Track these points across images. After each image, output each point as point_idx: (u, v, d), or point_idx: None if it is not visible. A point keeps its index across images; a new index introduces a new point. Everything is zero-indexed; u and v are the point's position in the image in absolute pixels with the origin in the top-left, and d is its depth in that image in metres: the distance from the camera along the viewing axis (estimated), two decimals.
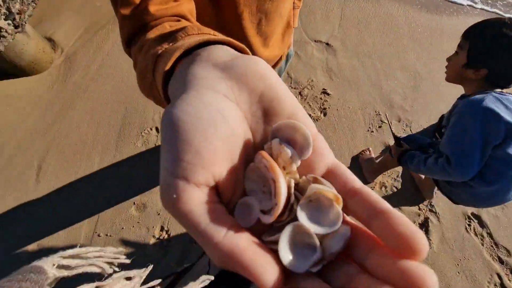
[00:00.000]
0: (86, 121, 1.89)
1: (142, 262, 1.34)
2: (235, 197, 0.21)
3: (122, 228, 1.55)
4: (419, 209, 1.70)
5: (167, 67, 0.25)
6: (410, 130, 1.96)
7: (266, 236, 0.20)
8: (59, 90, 2.01)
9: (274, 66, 0.88)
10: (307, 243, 0.19)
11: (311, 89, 2.09)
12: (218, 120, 0.19)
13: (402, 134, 1.95)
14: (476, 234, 1.63)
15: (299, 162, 0.21)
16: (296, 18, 0.79)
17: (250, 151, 0.22)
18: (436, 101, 2.10)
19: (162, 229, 1.56)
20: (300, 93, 2.07)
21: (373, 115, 2.01)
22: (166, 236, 1.54)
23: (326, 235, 0.19)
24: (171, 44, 0.28)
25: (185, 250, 1.50)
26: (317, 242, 0.19)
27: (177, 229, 1.56)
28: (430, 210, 1.69)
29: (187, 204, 0.17)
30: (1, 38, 1.51)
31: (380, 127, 1.96)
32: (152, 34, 0.34)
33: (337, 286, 0.18)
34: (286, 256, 0.18)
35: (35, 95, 1.97)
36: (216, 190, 0.20)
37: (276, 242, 0.19)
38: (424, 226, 1.64)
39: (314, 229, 0.19)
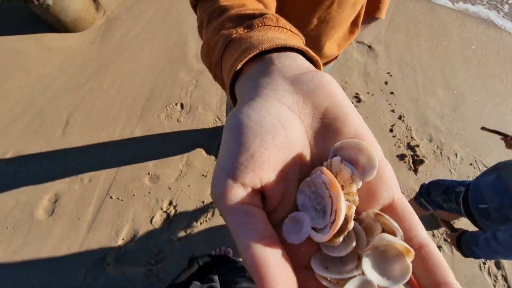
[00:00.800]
0: (116, 85, 1.93)
1: (146, 231, 1.37)
2: (284, 208, 0.21)
3: (134, 195, 1.60)
4: (433, 235, 1.62)
5: (238, 67, 0.25)
6: (441, 152, 1.85)
7: (317, 265, 0.19)
8: (96, 51, 2.05)
9: (324, 65, 0.83)
10: None
11: (343, 91, 2.01)
12: (277, 129, 0.20)
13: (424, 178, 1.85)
14: (489, 274, 1.54)
15: (360, 184, 0.20)
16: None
17: (306, 166, 0.22)
18: (475, 128, 1.96)
19: (170, 203, 1.59)
20: None
21: (403, 129, 1.91)
22: (173, 211, 1.57)
23: None
24: (246, 31, 0.28)
25: (188, 227, 1.53)
26: None
27: (184, 207, 1.58)
28: (445, 240, 1.60)
29: (229, 200, 0.18)
30: None
31: (408, 143, 1.86)
32: (226, 0, 0.33)
33: None
34: None
35: (73, 52, 2.03)
36: (263, 196, 0.20)
37: (327, 279, 0.18)
38: None
39: (378, 281, 0.17)
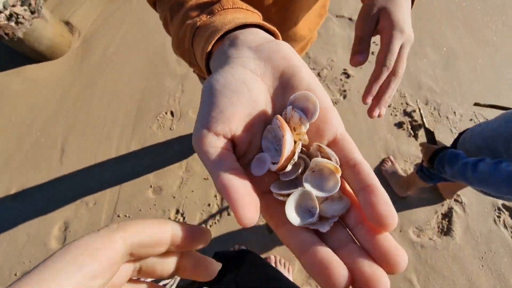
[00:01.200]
0: (104, 104, 1.93)
1: None
2: (251, 152, 0.26)
3: (140, 210, 1.61)
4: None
5: (208, 49, 0.29)
6: (438, 113, 1.82)
7: (274, 187, 0.24)
8: (78, 74, 2.04)
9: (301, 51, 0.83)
10: (309, 208, 0.23)
11: (331, 69, 1.97)
12: (242, 89, 0.24)
13: (432, 125, 1.82)
14: (505, 227, 1.52)
15: (307, 125, 0.25)
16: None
17: (269, 119, 0.26)
18: (471, 83, 1.91)
19: (177, 212, 1.60)
20: (318, 74, 1.96)
21: (397, 97, 1.88)
22: (181, 219, 1.57)
23: (332, 201, 0.24)
24: (208, 17, 0.32)
25: None
26: (317, 210, 0.23)
27: (191, 213, 1.59)
28: (456, 200, 1.58)
29: (205, 146, 0.23)
30: (19, 24, 1.53)
31: (405, 110, 1.83)
32: None
33: (330, 246, 0.21)
34: (290, 213, 0.23)
35: (55, 79, 2.03)
36: (233, 144, 0.25)
37: (281, 195, 0.24)
38: (447, 216, 1.55)
39: (316, 193, 0.23)
